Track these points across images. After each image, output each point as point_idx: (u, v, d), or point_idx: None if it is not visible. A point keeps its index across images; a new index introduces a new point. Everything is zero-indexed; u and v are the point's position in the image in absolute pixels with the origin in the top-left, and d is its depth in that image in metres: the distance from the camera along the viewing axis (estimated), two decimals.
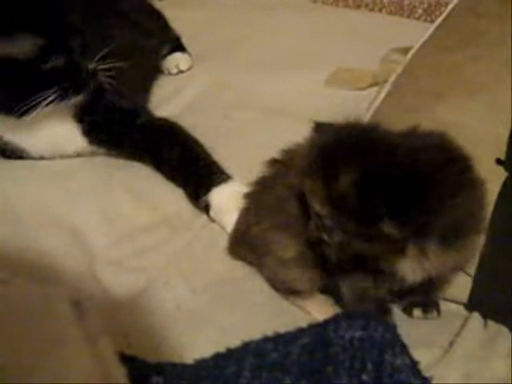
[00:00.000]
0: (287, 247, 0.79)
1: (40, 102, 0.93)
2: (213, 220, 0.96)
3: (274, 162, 0.84)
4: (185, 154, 1.01)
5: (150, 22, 1.44)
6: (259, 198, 0.85)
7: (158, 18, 1.50)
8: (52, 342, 0.47)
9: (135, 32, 1.33)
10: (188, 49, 1.50)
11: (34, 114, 0.94)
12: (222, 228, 0.93)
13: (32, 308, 0.49)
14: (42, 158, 1.05)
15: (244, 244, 0.86)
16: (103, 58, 1.00)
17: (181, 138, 1.04)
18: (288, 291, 0.81)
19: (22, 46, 0.90)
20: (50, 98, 0.93)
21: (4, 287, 0.52)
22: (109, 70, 1.00)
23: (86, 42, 0.97)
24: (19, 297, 0.50)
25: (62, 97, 0.94)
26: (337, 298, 0.78)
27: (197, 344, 0.75)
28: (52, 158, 1.06)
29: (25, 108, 0.93)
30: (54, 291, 0.53)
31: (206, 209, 0.96)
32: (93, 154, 1.07)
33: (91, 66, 0.98)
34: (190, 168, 1.00)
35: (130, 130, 1.04)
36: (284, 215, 0.78)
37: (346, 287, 0.74)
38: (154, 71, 1.39)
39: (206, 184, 0.97)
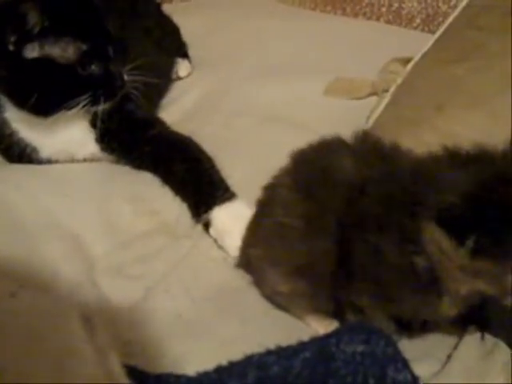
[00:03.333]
0: (282, 283, 0.78)
1: (71, 106, 0.95)
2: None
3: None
4: (191, 168, 1.01)
5: (169, 37, 1.46)
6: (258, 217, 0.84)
7: (174, 31, 1.53)
8: (65, 358, 0.47)
9: (157, 47, 1.35)
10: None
11: (58, 115, 0.96)
12: (221, 248, 0.92)
13: (43, 324, 0.49)
14: (49, 161, 1.05)
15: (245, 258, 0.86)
16: (132, 69, 1.02)
17: (190, 152, 1.04)
18: (286, 309, 0.82)
19: (65, 50, 0.92)
20: (82, 104, 0.95)
21: (13, 301, 0.52)
22: (135, 81, 1.02)
23: (122, 51, 0.99)
24: (30, 311, 0.50)
25: (93, 103, 0.96)
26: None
27: (197, 353, 0.75)
28: (59, 161, 1.06)
29: (53, 110, 0.95)
30: (64, 306, 0.53)
31: (206, 227, 0.96)
32: (101, 160, 1.07)
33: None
34: (195, 183, 0.99)
35: (141, 141, 1.05)
36: (283, 247, 0.76)
37: None
38: (168, 83, 1.41)
39: (208, 201, 0.96)
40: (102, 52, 0.96)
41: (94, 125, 1.03)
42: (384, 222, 0.66)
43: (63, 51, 0.92)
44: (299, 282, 0.76)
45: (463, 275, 0.63)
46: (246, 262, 0.84)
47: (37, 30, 0.91)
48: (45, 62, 0.92)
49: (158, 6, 1.54)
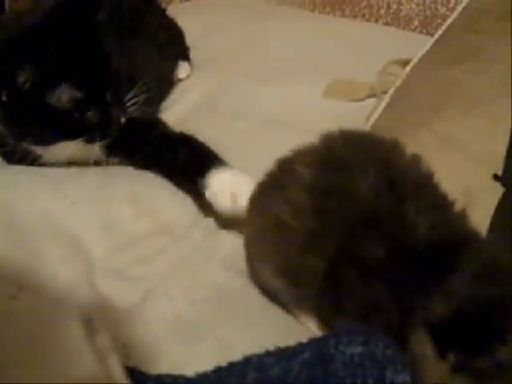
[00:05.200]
0: (273, 278, 0.78)
1: (65, 145, 0.96)
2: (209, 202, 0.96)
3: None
4: (190, 155, 1.02)
5: (173, 41, 1.47)
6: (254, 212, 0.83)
7: (179, 35, 1.53)
8: (63, 361, 0.47)
9: (161, 52, 1.36)
10: None
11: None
12: (216, 208, 0.94)
13: (43, 325, 0.49)
14: (51, 165, 1.05)
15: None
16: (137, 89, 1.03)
17: (191, 147, 1.04)
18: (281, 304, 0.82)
19: (59, 99, 0.91)
20: (76, 142, 0.96)
21: (13, 303, 0.52)
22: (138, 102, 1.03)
23: (122, 90, 0.98)
24: (30, 314, 0.50)
25: (88, 141, 0.96)
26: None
27: (196, 355, 0.75)
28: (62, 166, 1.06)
29: (47, 144, 0.97)
30: (64, 309, 0.53)
31: (203, 190, 0.96)
32: (106, 163, 1.07)
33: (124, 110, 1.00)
34: (193, 162, 1.00)
35: (145, 143, 1.05)
36: (278, 245, 0.76)
37: None
38: (169, 86, 1.41)
39: (205, 167, 0.97)
40: (99, 98, 0.94)
41: None
42: (391, 278, 0.65)
43: (57, 99, 0.91)
44: (286, 282, 0.76)
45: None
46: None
47: (28, 86, 0.89)
48: (40, 105, 0.91)
49: (163, 10, 1.54)
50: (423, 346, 0.61)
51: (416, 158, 0.75)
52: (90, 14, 0.95)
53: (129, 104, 1.01)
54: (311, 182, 0.73)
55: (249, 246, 0.84)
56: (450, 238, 0.66)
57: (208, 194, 0.95)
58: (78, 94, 0.91)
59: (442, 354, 0.59)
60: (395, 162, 0.74)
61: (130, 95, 1.01)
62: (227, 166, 0.98)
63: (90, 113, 0.94)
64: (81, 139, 0.96)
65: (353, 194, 0.70)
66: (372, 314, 0.66)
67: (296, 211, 0.73)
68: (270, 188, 0.80)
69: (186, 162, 1.02)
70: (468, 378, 0.60)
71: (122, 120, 0.98)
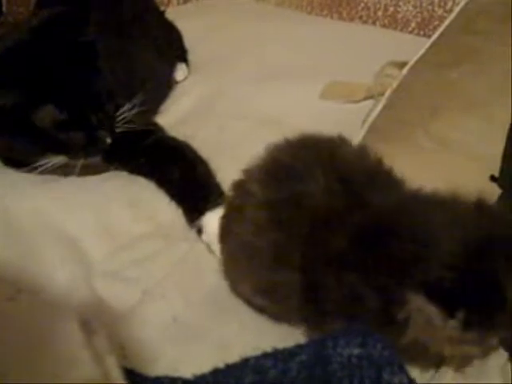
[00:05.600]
0: (252, 297, 0.79)
1: (48, 164, 0.95)
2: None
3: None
4: (185, 175, 1.01)
5: (171, 44, 1.46)
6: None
7: (177, 38, 1.53)
8: (62, 363, 0.47)
9: (159, 55, 1.36)
10: None
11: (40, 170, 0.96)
12: (214, 253, 0.91)
13: (41, 328, 0.49)
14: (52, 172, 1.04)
15: None
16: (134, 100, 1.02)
17: (185, 158, 1.04)
18: None
19: (41, 119, 0.90)
20: (59, 161, 0.95)
21: (12, 305, 0.52)
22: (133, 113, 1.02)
23: (110, 110, 0.97)
24: (28, 316, 0.50)
25: (73, 159, 0.96)
26: None
27: (192, 357, 0.76)
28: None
29: (31, 166, 0.96)
30: (62, 311, 0.53)
31: (198, 232, 0.96)
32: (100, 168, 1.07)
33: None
34: (188, 190, 1.00)
35: (138, 150, 1.05)
36: (249, 267, 0.76)
37: None
38: (167, 89, 1.41)
39: (200, 207, 0.96)
40: (84, 121, 0.93)
41: None
42: (361, 265, 0.65)
43: (39, 119, 0.90)
44: (267, 300, 0.76)
45: (450, 343, 0.63)
46: None
47: (9, 106, 0.89)
48: (24, 122, 0.91)
49: (162, 13, 1.54)
50: (426, 310, 0.61)
51: (362, 149, 0.76)
52: (75, 34, 0.93)
53: (120, 120, 1.00)
54: (264, 198, 0.73)
55: (225, 269, 0.84)
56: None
57: (204, 237, 0.95)
58: (61, 116, 0.91)
59: (449, 313, 0.60)
60: (342, 159, 0.74)
61: (122, 110, 1.00)
62: (220, 196, 0.97)
63: (72, 133, 0.93)
64: (65, 157, 0.95)
65: (306, 200, 0.70)
66: (357, 305, 0.65)
67: (257, 229, 0.73)
68: (231, 212, 0.80)
69: (178, 183, 1.02)
70: (479, 333, 0.61)
71: (108, 141, 0.97)
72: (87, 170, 1.02)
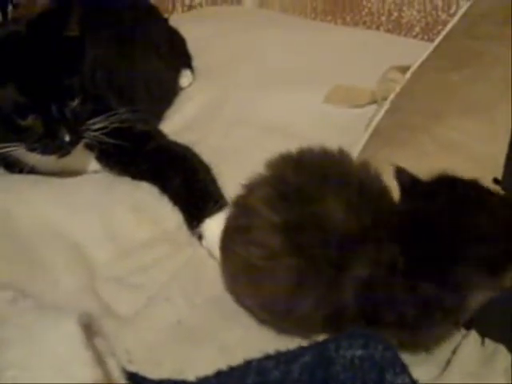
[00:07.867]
0: (257, 312, 0.79)
1: (12, 151, 0.95)
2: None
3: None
4: (187, 181, 1.02)
5: (176, 51, 1.47)
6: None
7: (181, 45, 1.53)
8: (64, 364, 0.47)
9: (164, 62, 1.36)
10: None
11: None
12: (215, 259, 0.91)
13: (43, 330, 0.49)
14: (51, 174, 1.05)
15: None
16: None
17: (187, 164, 1.04)
18: None
19: (4, 96, 0.91)
20: (16, 148, 0.95)
21: (14, 307, 0.52)
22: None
23: (78, 111, 0.96)
24: (30, 318, 0.51)
25: (41, 152, 0.95)
26: None
27: (197, 360, 0.76)
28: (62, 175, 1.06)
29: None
30: (64, 313, 0.53)
31: (199, 239, 0.96)
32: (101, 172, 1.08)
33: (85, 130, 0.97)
34: (189, 196, 1.00)
35: (140, 156, 1.05)
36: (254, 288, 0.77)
37: None
38: (173, 95, 1.41)
39: (199, 214, 0.97)
40: (43, 108, 0.92)
41: (91, 148, 1.04)
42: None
43: (1, 98, 0.91)
44: (275, 317, 0.77)
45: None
46: None
47: None
48: None
49: (166, 20, 1.55)
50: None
51: (364, 164, 0.78)
52: (63, 28, 0.94)
53: (92, 128, 0.98)
54: (275, 220, 0.72)
55: (227, 285, 0.84)
56: None
57: (204, 244, 0.95)
58: (21, 99, 0.91)
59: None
60: (347, 176, 0.75)
61: (97, 119, 0.99)
62: (220, 202, 0.97)
63: (31, 120, 0.92)
64: (22, 146, 0.94)
65: (325, 222, 0.71)
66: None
67: (271, 254, 0.72)
68: (234, 232, 0.80)
69: (179, 189, 1.02)
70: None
71: (67, 139, 0.95)
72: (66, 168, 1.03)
